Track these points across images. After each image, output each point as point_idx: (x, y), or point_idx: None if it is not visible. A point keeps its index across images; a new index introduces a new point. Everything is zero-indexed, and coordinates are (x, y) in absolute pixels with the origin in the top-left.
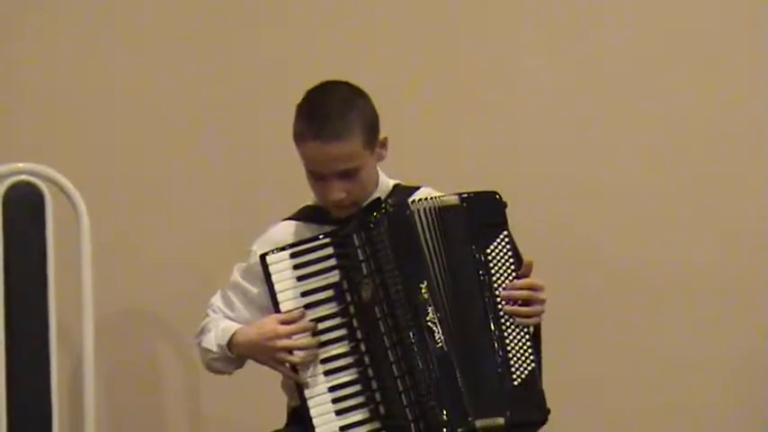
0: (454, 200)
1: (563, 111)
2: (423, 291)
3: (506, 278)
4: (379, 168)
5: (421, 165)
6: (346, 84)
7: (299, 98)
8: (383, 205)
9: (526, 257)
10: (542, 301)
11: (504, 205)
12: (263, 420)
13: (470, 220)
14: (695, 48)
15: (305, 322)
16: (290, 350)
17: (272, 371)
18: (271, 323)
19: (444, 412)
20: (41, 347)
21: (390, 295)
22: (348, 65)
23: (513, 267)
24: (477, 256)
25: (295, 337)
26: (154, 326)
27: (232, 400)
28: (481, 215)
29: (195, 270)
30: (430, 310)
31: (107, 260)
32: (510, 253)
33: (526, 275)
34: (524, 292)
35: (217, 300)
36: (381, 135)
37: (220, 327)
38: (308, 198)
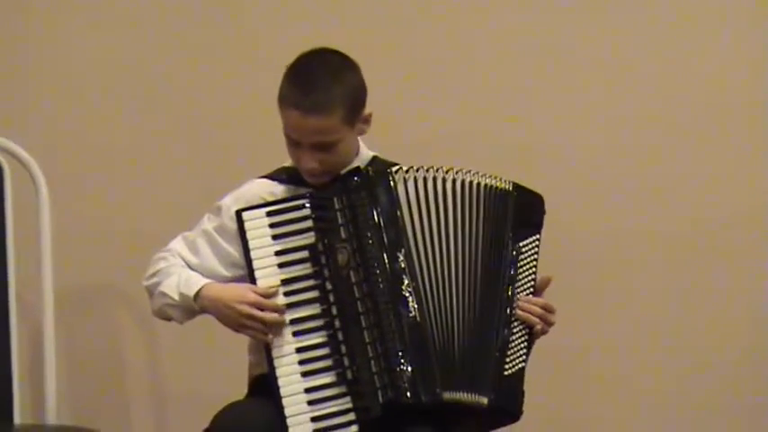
0: (508, 186)
1: (539, 90)
2: (400, 259)
3: (528, 276)
4: (360, 139)
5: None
6: (339, 53)
7: (264, 70)
8: (366, 172)
9: (546, 273)
10: (551, 324)
11: (545, 212)
12: (224, 392)
13: (515, 211)
14: (672, 30)
15: (278, 300)
16: (254, 319)
17: (232, 344)
18: (244, 290)
19: (411, 379)
20: (1, 321)
21: (367, 261)
22: (324, 41)
23: (535, 269)
24: (511, 244)
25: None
26: (114, 299)
27: (194, 372)
28: (525, 211)
29: (156, 243)
30: (406, 278)
31: (67, 233)
32: (536, 255)
33: (542, 289)
34: (539, 310)
35: (178, 245)
36: (367, 111)
37: (183, 275)
38: (270, 166)
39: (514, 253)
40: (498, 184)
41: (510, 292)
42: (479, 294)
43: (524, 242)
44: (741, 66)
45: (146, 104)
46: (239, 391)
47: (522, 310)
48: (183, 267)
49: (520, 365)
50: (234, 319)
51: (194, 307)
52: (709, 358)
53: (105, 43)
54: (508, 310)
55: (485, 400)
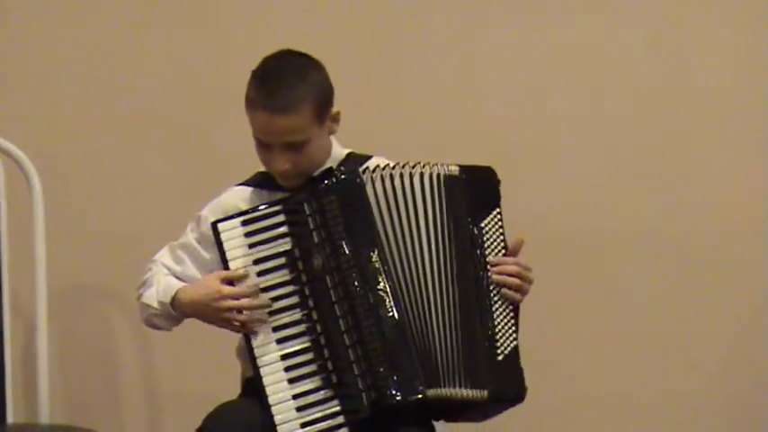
0: (455, 170)
1: (527, 83)
2: (373, 260)
3: (497, 253)
4: (333, 138)
5: (375, 136)
6: (303, 54)
7: (247, 68)
8: (334, 174)
9: (517, 236)
10: (530, 281)
11: (499, 182)
12: (217, 392)
13: (469, 192)
14: (669, 33)
15: (250, 283)
16: (235, 310)
17: (225, 343)
18: (213, 283)
19: (395, 380)
20: None
21: (340, 264)
22: (300, 38)
23: (502, 245)
24: (473, 228)
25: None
26: (108, 298)
27: (187, 372)
28: (479, 189)
29: (150, 242)
30: (381, 279)
31: (60, 232)
32: (501, 230)
33: (515, 253)
34: (514, 267)
35: (163, 256)
36: (335, 109)
37: (162, 283)
38: (259, 166)
39: (478, 236)
40: (445, 171)
41: (483, 276)
42: (454, 285)
43: (485, 221)
44: (737, 68)
45: (140, 103)
46: (232, 390)
47: (498, 273)
48: (165, 275)
49: (512, 345)
50: (213, 317)
51: (174, 314)
52: (701, 358)
53: (99, 42)
54: (485, 295)
55: (485, 393)
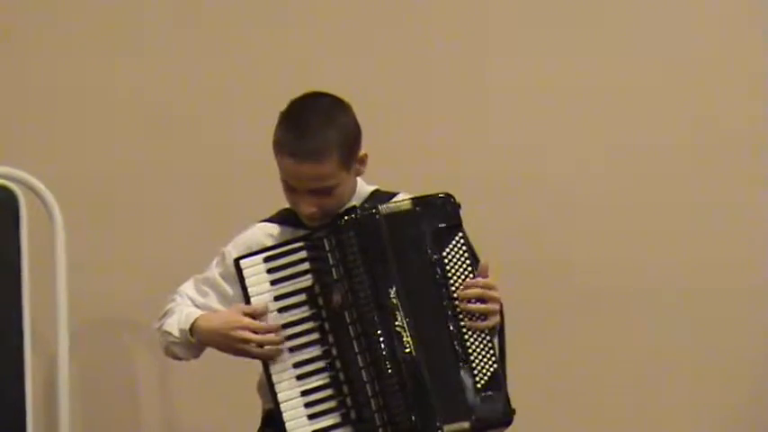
0: (408, 204)
1: (538, 113)
2: (392, 296)
3: (464, 280)
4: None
5: (398, 169)
6: (330, 97)
7: (273, 101)
8: (355, 210)
9: (483, 259)
10: (496, 300)
11: (458, 206)
12: (237, 425)
13: (426, 224)
14: (673, 49)
15: (271, 319)
16: (250, 342)
17: (246, 377)
18: (234, 313)
19: (412, 417)
20: (15, 352)
21: (359, 300)
22: (325, 67)
23: (470, 269)
24: (433, 259)
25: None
26: (129, 330)
27: (207, 404)
28: (436, 218)
29: (170, 274)
30: (398, 315)
31: (82, 264)
32: (466, 254)
33: (483, 277)
34: (477, 290)
35: (187, 288)
36: (362, 151)
37: (184, 312)
38: (283, 202)
39: (437, 266)
40: (398, 207)
41: (449, 306)
42: (418, 321)
43: (447, 249)
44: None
45: (162, 134)
46: (252, 424)
47: (461, 300)
48: (188, 306)
49: (492, 369)
50: (229, 345)
51: (192, 340)
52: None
53: (121, 73)
54: (453, 328)
55: (466, 425)
